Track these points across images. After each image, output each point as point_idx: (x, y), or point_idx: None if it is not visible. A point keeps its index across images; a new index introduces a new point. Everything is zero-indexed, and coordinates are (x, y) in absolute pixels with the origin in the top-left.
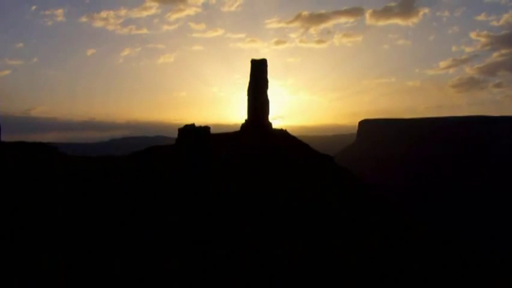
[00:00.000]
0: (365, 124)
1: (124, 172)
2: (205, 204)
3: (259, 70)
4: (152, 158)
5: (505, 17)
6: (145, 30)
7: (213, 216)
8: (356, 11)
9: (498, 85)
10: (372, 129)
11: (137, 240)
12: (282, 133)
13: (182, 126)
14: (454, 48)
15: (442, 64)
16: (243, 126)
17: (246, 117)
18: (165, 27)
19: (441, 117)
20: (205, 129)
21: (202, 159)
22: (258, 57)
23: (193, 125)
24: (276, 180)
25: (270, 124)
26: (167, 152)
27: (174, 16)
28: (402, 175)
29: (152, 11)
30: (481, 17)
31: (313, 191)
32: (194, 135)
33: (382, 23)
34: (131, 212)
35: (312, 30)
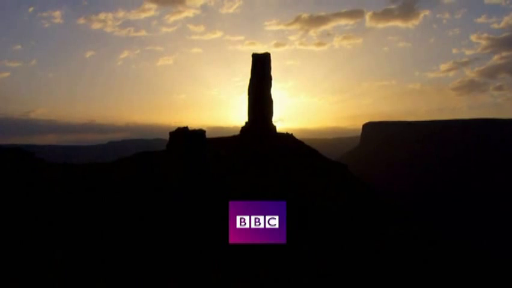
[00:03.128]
0: (368, 127)
1: (104, 180)
2: (199, 218)
3: (261, 66)
4: (139, 165)
5: (506, 19)
6: (143, 33)
7: (207, 236)
8: (355, 13)
9: (499, 88)
10: (376, 132)
11: (115, 257)
12: (288, 137)
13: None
14: (454, 51)
15: (443, 67)
16: (243, 129)
17: (246, 119)
18: (164, 30)
19: (447, 120)
20: (199, 133)
21: (196, 167)
22: None
23: (186, 128)
24: (282, 191)
25: (274, 127)
26: (157, 158)
27: (173, 18)
28: (407, 178)
29: (151, 13)
30: (482, 19)
31: (326, 203)
32: (187, 139)
33: (382, 25)
34: (108, 225)
35: (312, 32)
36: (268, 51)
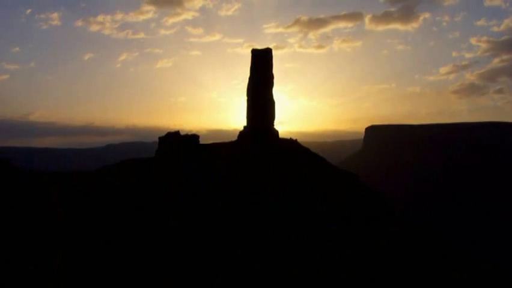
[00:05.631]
0: (371, 130)
1: (81, 190)
2: (188, 237)
3: (262, 62)
4: (124, 174)
5: (506, 22)
6: (142, 35)
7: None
8: (355, 16)
9: (499, 91)
10: (379, 135)
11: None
12: (292, 144)
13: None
14: (454, 54)
15: (442, 70)
16: (242, 134)
17: (245, 122)
18: (162, 32)
19: (450, 123)
20: (192, 138)
21: (188, 176)
22: None
23: (177, 133)
24: (286, 208)
25: (276, 132)
26: (144, 165)
27: (171, 20)
28: (411, 181)
29: (149, 15)
30: (482, 22)
31: (337, 221)
32: (179, 145)
33: (382, 28)
34: (81, 239)
35: (311, 35)
36: (270, 47)
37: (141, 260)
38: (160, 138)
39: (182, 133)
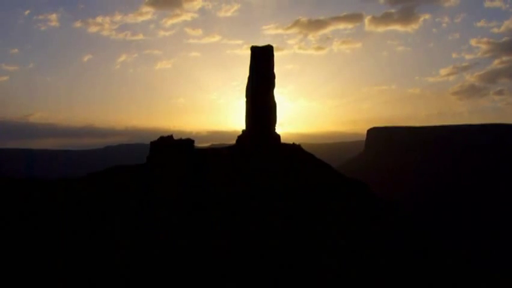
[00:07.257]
0: (373, 132)
1: (67, 199)
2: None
3: (262, 61)
4: (112, 181)
5: (506, 23)
6: (141, 36)
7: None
8: (355, 17)
9: (499, 93)
10: (381, 137)
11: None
12: (295, 149)
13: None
14: (454, 55)
15: (443, 71)
16: (240, 138)
17: (244, 125)
18: (161, 33)
19: (453, 125)
20: (187, 143)
21: (181, 183)
22: None
23: (171, 137)
24: (287, 218)
25: (277, 136)
26: (134, 172)
27: (170, 22)
28: (414, 184)
29: (148, 17)
30: (482, 24)
31: (347, 239)
32: (172, 150)
33: (381, 29)
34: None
35: (311, 36)
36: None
37: (135, 267)
38: (152, 142)
39: (180, 136)
